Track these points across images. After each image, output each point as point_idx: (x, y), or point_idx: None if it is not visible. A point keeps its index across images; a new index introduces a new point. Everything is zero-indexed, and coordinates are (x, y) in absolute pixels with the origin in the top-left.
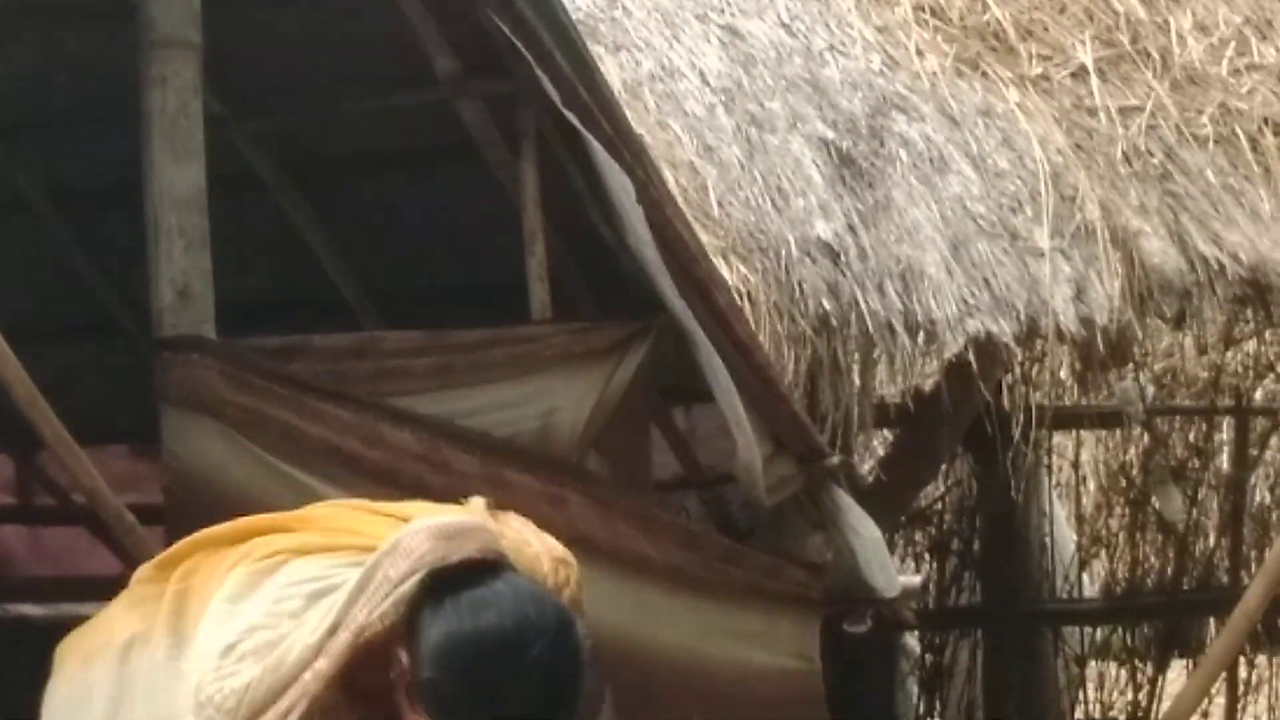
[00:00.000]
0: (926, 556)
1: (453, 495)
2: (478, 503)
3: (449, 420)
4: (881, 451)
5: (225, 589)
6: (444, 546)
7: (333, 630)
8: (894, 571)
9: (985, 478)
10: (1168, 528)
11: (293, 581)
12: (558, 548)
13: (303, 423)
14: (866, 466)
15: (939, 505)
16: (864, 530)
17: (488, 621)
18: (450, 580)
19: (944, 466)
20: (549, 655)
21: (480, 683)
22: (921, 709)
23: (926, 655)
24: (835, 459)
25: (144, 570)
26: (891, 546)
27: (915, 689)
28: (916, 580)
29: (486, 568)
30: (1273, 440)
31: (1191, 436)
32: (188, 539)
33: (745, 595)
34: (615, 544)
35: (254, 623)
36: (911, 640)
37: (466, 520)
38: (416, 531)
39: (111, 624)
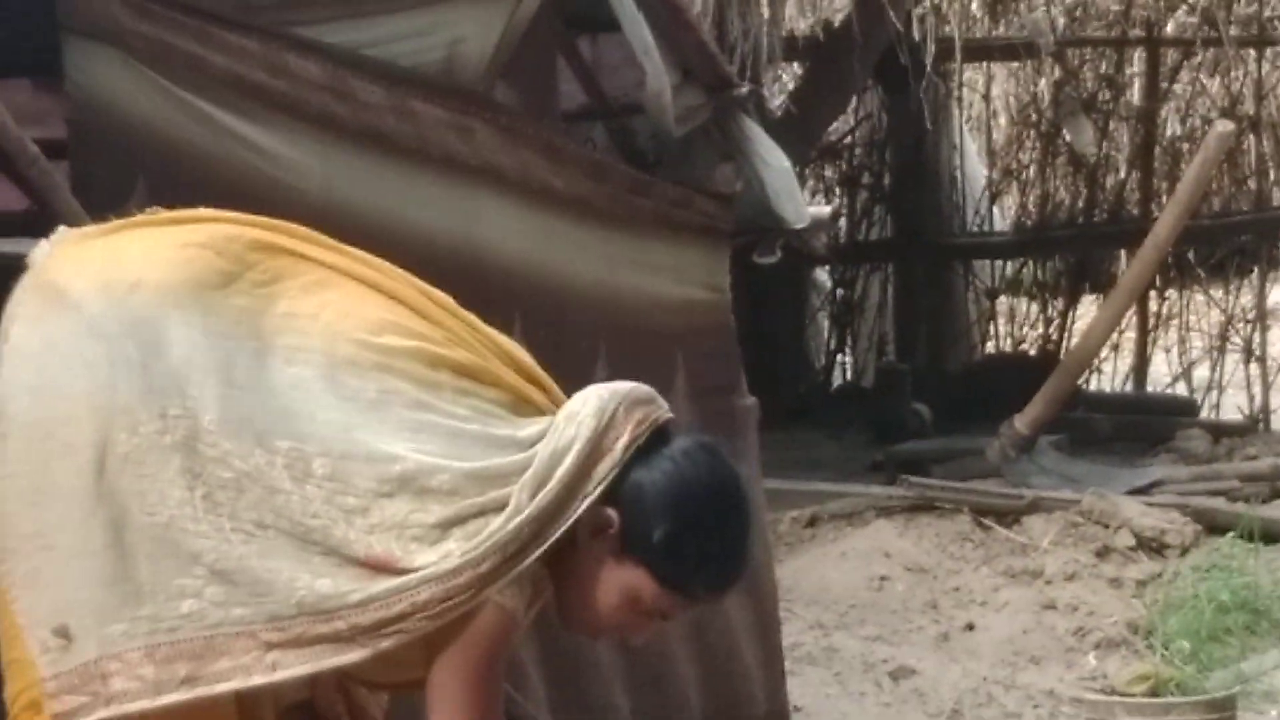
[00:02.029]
0: (837, 190)
1: (359, 124)
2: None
3: (354, 50)
4: (791, 85)
5: (402, 393)
6: (650, 413)
7: (557, 505)
8: (802, 202)
9: (896, 111)
10: (1079, 160)
11: (489, 439)
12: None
13: (207, 52)
14: (777, 101)
15: (849, 139)
16: (773, 160)
17: (712, 470)
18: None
19: (854, 99)
20: (751, 496)
21: (720, 525)
22: (832, 343)
23: (837, 289)
24: (744, 88)
25: (230, 242)
26: (802, 180)
27: (826, 323)
28: (826, 210)
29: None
30: (1184, 72)
31: (1103, 68)
32: (272, 228)
33: (653, 226)
34: (523, 174)
35: (452, 485)
36: (822, 274)
37: (640, 386)
38: (618, 400)
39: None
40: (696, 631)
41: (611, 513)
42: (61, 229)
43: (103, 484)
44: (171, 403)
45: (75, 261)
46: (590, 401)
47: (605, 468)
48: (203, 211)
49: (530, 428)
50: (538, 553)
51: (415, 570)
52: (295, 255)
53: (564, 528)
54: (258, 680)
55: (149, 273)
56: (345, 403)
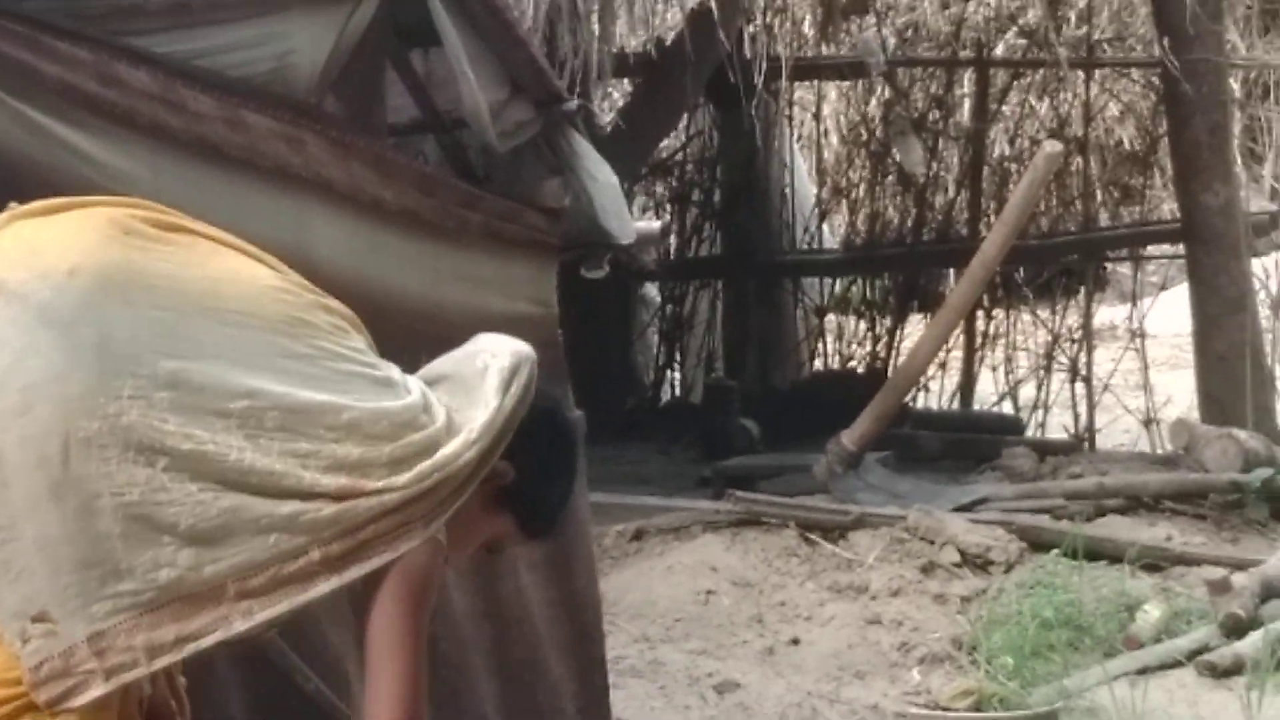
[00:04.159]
0: (667, 207)
1: (190, 135)
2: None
3: (185, 60)
4: (622, 101)
5: (325, 348)
6: (535, 365)
7: (494, 446)
8: (629, 218)
9: (727, 129)
10: (908, 179)
11: (393, 384)
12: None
13: (38, 61)
14: (607, 117)
15: (680, 156)
16: (600, 175)
17: (575, 436)
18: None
19: (685, 117)
20: None
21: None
22: (661, 358)
23: (667, 305)
24: (573, 104)
25: (130, 219)
26: (632, 197)
27: (655, 339)
28: (655, 226)
29: None
30: (1013, 93)
31: (932, 88)
32: (166, 212)
33: (481, 240)
34: (352, 187)
35: (391, 431)
36: (652, 290)
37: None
38: (532, 360)
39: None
40: (498, 646)
41: (507, 465)
42: None
43: (69, 471)
44: (125, 384)
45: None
46: (508, 354)
47: (519, 420)
48: (75, 200)
49: (395, 369)
50: (472, 489)
51: (380, 491)
52: (183, 229)
53: (489, 468)
54: (239, 628)
55: (79, 258)
56: (284, 360)
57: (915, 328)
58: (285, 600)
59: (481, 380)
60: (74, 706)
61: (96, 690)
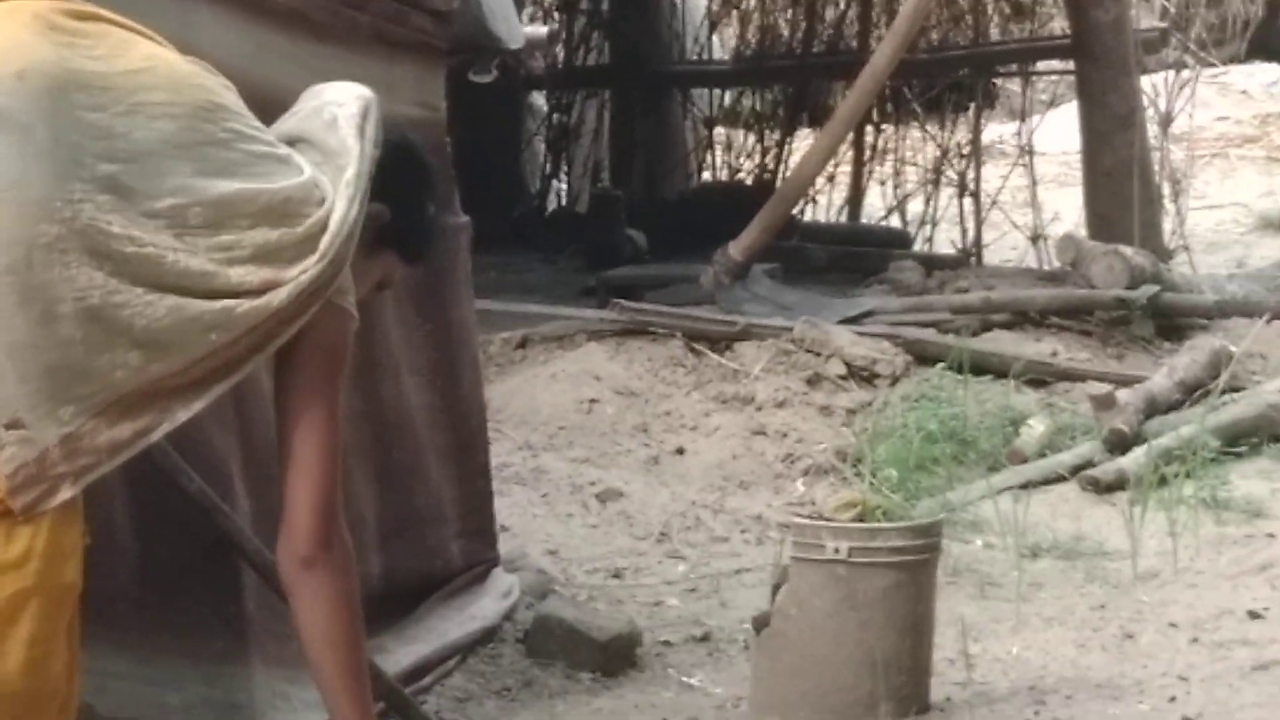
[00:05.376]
0: (555, 15)
1: None
2: None
3: None
4: None
5: (238, 131)
6: (378, 103)
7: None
8: (518, 23)
9: None
10: None
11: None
12: None
13: None
14: None
15: None
16: None
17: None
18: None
19: None
20: None
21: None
22: (548, 167)
23: (554, 115)
24: None
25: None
26: (521, 4)
27: (542, 147)
28: (543, 31)
29: None
30: None
31: None
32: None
33: (368, 41)
34: None
35: (298, 208)
36: (539, 99)
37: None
38: (368, 94)
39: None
40: (378, 449)
41: (382, 206)
42: None
43: (33, 277)
44: (74, 187)
45: None
46: (352, 99)
47: (377, 161)
48: None
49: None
50: (356, 239)
51: (296, 276)
52: (96, 18)
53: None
54: (181, 418)
55: (24, 60)
56: (206, 149)
57: (804, 141)
58: (216, 387)
59: (333, 132)
60: (47, 509)
61: (67, 492)
